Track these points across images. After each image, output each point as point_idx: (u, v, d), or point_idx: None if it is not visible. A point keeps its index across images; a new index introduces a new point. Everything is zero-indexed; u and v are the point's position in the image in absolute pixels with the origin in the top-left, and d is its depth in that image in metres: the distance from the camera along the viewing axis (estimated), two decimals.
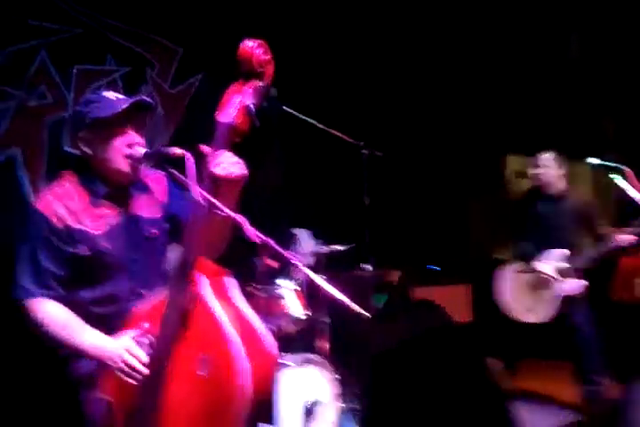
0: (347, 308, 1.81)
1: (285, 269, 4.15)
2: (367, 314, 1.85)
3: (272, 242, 1.90)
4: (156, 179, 2.40)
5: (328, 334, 4.28)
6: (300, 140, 4.83)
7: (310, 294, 4.16)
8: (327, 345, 4.27)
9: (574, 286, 4.53)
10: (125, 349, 2.05)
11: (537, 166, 4.72)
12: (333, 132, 3.99)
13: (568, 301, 4.54)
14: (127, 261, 2.26)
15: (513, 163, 6.96)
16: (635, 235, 4.34)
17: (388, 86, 5.76)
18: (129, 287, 2.27)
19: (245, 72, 2.10)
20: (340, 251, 4.30)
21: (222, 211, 1.95)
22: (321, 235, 4.70)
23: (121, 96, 2.28)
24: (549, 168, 4.68)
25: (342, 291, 1.88)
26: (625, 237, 4.36)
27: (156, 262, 2.35)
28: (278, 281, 4.04)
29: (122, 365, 2.03)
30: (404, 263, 5.46)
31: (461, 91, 5.98)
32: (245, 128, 2.08)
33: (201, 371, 1.97)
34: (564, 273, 4.55)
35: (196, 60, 5.29)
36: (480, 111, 6.07)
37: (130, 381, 2.03)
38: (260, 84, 2.11)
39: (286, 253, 1.90)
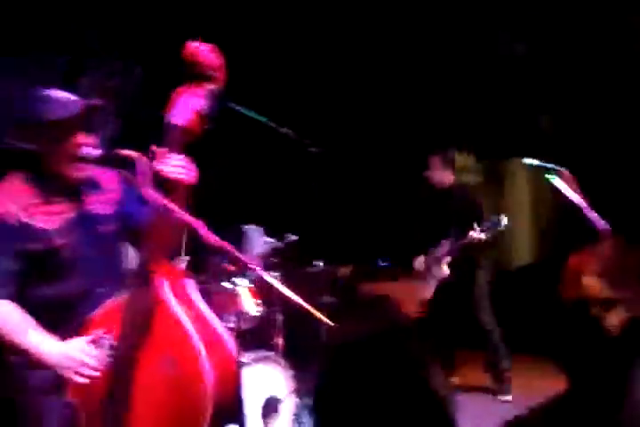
0: (307, 313, 1.85)
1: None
2: (328, 321, 1.90)
3: (228, 246, 1.93)
4: (108, 177, 2.39)
5: (282, 330, 4.31)
6: (248, 137, 4.84)
7: (263, 291, 4.19)
8: (281, 341, 4.31)
9: (439, 272, 4.97)
10: (74, 349, 2.05)
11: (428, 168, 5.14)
12: (281, 130, 4.01)
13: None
14: (81, 257, 2.25)
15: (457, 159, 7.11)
16: (484, 233, 4.72)
17: (332, 83, 5.80)
18: (84, 285, 2.25)
19: (194, 74, 2.08)
20: (292, 242, 4.33)
21: (176, 213, 1.96)
22: (271, 232, 4.73)
23: (72, 97, 2.26)
24: (437, 169, 5.09)
25: (295, 288, 1.92)
26: (475, 235, 4.71)
27: (109, 260, 2.34)
28: (233, 279, 4.05)
29: (71, 365, 2.04)
30: (354, 259, 5.52)
31: (404, 87, 6.05)
32: (198, 131, 2.09)
33: (166, 371, 1.98)
34: (433, 263, 5.03)
35: (136, 53, 5.23)
36: (423, 109, 6.15)
37: (81, 380, 2.03)
38: (212, 86, 2.11)
39: (243, 258, 1.93)
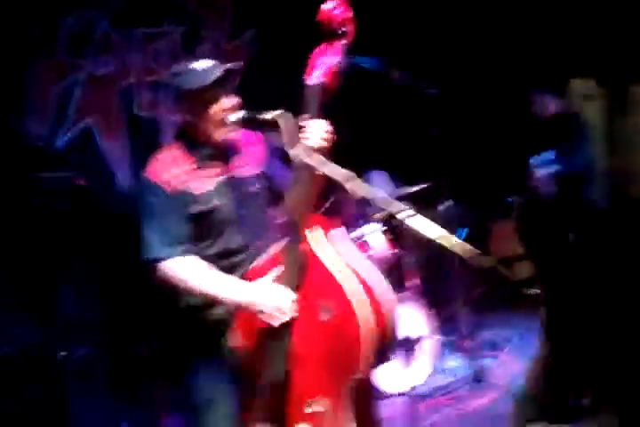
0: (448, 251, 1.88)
1: (367, 212, 4.26)
2: (472, 256, 1.90)
3: (374, 198, 1.98)
4: (253, 139, 2.53)
5: (416, 270, 4.40)
6: (365, 86, 4.83)
7: (395, 233, 4.28)
8: (418, 281, 4.40)
9: None
10: (273, 292, 2.15)
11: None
12: (395, 74, 4.00)
13: None
14: (235, 216, 2.43)
15: (577, 86, 6.82)
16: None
17: (443, 22, 5.66)
18: (240, 241, 2.43)
19: (327, 33, 2.16)
20: (419, 191, 4.37)
21: (320, 170, 2.05)
22: (397, 177, 4.78)
23: (209, 63, 2.38)
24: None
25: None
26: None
27: (260, 217, 2.50)
28: (364, 226, 4.16)
29: (273, 309, 2.13)
30: (482, 198, 5.46)
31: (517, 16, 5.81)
32: (334, 88, 2.16)
33: (323, 317, 2.10)
34: None
35: (248, 15, 5.31)
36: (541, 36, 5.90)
37: (277, 323, 2.13)
38: (344, 42, 2.17)
39: (391, 207, 1.97)
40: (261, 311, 2.16)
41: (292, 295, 2.13)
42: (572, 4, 5.45)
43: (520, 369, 4.26)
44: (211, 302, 2.36)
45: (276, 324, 2.14)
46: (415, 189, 4.36)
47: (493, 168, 5.41)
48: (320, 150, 2.11)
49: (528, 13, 5.65)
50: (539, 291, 3.12)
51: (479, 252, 1.92)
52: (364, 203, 4.20)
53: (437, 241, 1.90)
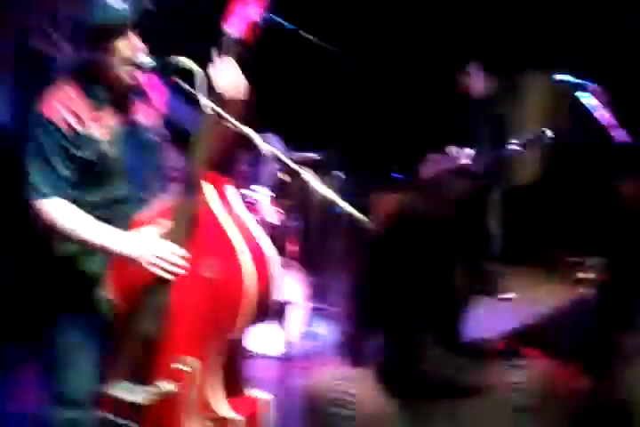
0: (352, 217, 1.91)
1: (260, 175, 4.24)
2: (366, 220, 1.94)
3: (281, 155, 1.98)
4: (155, 86, 2.40)
5: (298, 237, 4.44)
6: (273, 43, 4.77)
7: (282, 199, 4.28)
8: (297, 248, 4.45)
9: None
10: (156, 243, 2.10)
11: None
12: (309, 37, 3.96)
13: None
14: (129, 166, 2.31)
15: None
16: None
17: None
18: (130, 192, 2.32)
19: None
20: (310, 159, 4.38)
21: (231, 123, 2.01)
22: (291, 141, 4.75)
23: (121, 2, 2.21)
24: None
25: None
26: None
27: (155, 169, 2.41)
28: (254, 187, 4.13)
29: (155, 259, 2.08)
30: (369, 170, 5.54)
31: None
32: (251, 41, 2.12)
33: (206, 273, 2.08)
34: None
35: None
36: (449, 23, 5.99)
37: (163, 274, 2.08)
38: None
39: (295, 166, 1.98)
40: (148, 262, 2.10)
41: (179, 250, 2.08)
42: None
43: None
44: (88, 252, 2.27)
45: (164, 275, 2.09)
46: (307, 155, 4.36)
47: (387, 144, 5.50)
48: (232, 102, 2.05)
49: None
50: None
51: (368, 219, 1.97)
52: (257, 164, 4.17)
53: (338, 203, 1.93)
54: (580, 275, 4.02)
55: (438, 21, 5.83)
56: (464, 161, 4.83)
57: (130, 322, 2.14)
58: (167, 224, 2.12)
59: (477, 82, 5.07)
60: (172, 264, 2.08)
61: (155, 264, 2.08)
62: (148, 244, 2.11)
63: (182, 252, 2.09)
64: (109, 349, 2.23)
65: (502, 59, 6.30)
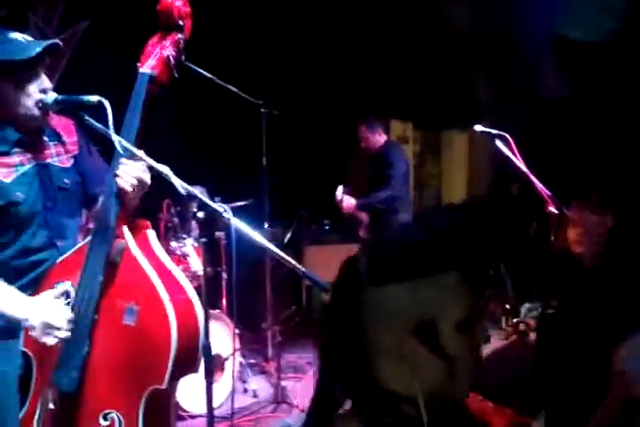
0: (281, 260, 1.89)
1: (185, 226, 4.16)
2: (301, 268, 1.93)
3: (198, 193, 1.94)
4: (65, 127, 2.30)
5: (227, 289, 4.36)
6: (198, 97, 4.78)
7: (211, 250, 4.20)
8: (225, 301, 4.37)
9: None
10: (45, 308, 2.00)
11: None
12: (232, 89, 3.98)
13: None
14: (41, 210, 2.18)
15: (396, 128, 7.27)
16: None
17: (286, 46, 5.74)
18: (45, 238, 2.20)
19: (165, 24, 2.11)
20: (237, 207, 4.33)
21: (144, 160, 1.96)
22: (217, 193, 4.70)
23: (28, 38, 2.13)
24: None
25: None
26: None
27: (69, 213, 2.28)
28: (182, 239, 4.05)
29: (46, 330, 1.97)
30: (296, 222, 5.54)
31: (352, 55, 6.03)
32: (165, 79, 2.11)
33: (127, 321, 1.99)
34: None
35: (82, 6, 5.07)
36: (370, 75, 6.15)
37: (49, 342, 1.98)
38: (180, 36, 2.12)
39: (214, 205, 1.94)
40: (32, 328, 1.98)
41: (68, 314, 1.99)
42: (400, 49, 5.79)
43: None
44: None
45: (49, 342, 1.97)
46: (234, 205, 4.31)
47: (316, 193, 5.52)
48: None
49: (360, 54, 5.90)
50: None
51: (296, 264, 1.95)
52: (183, 214, 4.11)
53: (264, 244, 1.90)
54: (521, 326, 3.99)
55: (360, 77, 5.98)
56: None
57: (48, 374, 2.03)
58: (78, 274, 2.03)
59: (372, 136, 5.31)
60: (61, 332, 1.98)
61: (41, 331, 1.97)
62: (41, 310, 1.99)
63: (69, 314, 1.99)
64: (31, 403, 2.08)
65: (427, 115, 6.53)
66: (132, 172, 2.01)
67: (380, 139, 5.36)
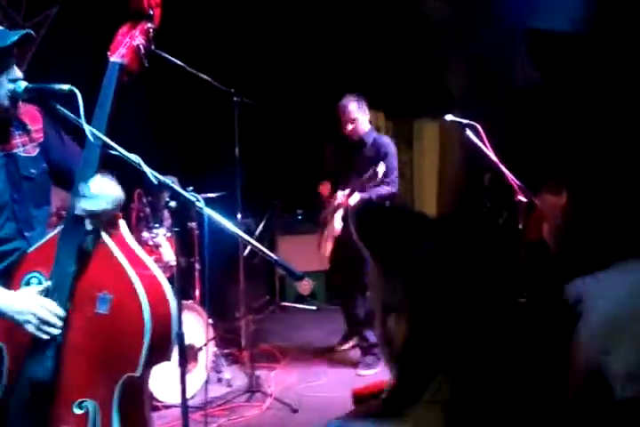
0: (254, 248, 1.90)
1: (157, 216, 4.15)
2: (274, 257, 1.95)
3: (170, 183, 1.94)
4: (30, 114, 2.25)
5: (200, 280, 4.36)
6: (170, 85, 4.75)
7: (183, 240, 4.18)
8: (198, 291, 4.37)
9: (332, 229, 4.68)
10: (37, 304, 1.99)
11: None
12: (204, 77, 3.97)
13: None
14: (9, 202, 2.15)
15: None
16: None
17: (260, 34, 5.73)
18: (13, 230, 2.17)
19: (135, 13, 2.11)
20: (209, 199, 4.32)
21: (117, 150, 1.95)
22: (189, 183, 4.68)
23: (1, 27, 2.11)
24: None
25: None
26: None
27: (36, 203, 2.24)
28: (154, 229, 4.04)
29: (36, 322, 1.98)
30: (269, 212, 5.56)
31: (325, 45, 6.03)
32: (135, 68, 2.11)
33: (100, 310, 1.99)
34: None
35: None
36: (342, 64, 6.16)
37: (44, 336, 1.99)
38: (150, 25, 2.12)
39: (187, 194, 1.94)
40: (26, 322, 1.98)
41: (58, 309, 2.00)
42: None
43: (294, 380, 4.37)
44: None
45: (43, 337, 1.98)
46: (206, 196, 4.30)
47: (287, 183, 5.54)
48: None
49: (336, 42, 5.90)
50: None
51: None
52: (154, 203, 4.09)
53: (236, 233, 1.91)
54: None
55: (336, 66, 5.98)
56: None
57: (21, 364, 2.02)
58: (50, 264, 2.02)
59: (363, 117, 4.77)
60: (51, 326, 1.99)
61: (35, 326, 1.98)
62: (29, 303, 1.99)
63: (61, 311, 2.00)
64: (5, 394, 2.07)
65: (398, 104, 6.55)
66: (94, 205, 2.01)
67: (367, 124, 4.65)
